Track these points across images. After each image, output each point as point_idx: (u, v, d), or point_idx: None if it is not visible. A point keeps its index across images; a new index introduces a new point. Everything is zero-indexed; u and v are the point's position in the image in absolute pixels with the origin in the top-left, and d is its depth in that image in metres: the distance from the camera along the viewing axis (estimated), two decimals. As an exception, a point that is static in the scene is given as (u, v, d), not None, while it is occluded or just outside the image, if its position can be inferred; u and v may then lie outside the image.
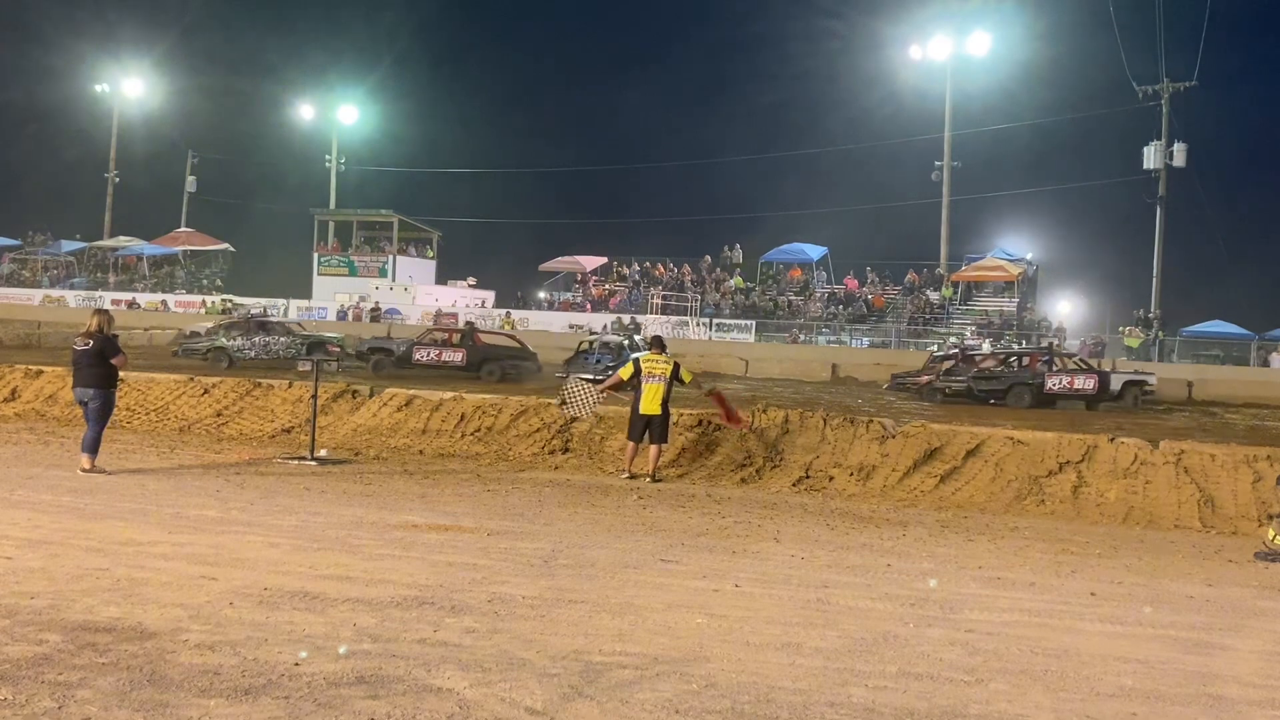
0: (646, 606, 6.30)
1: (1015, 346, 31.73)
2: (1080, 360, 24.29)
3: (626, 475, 11.82)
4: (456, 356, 24.67)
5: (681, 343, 37.40)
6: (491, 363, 24.70)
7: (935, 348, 33.77)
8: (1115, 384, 22.53)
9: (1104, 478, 11.43)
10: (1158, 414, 21.54)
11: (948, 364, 24.57)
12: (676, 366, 12.16)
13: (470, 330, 26.85)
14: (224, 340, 25.87)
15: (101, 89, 60.79)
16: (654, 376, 11.95)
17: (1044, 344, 27.66)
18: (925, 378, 23.70)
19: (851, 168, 56.27)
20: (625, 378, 12.24)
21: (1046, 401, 22.22)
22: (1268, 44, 71.36)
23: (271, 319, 29.73)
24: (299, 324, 29.84)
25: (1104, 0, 43.17)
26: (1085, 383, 22.53)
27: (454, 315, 42.06)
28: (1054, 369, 22.90)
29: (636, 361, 12.25)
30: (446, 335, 26.51)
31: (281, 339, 26.03)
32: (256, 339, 25.85)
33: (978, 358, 25.55)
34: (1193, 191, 46.68)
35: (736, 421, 12.59)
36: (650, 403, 11.86)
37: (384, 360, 24.88)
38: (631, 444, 11.99)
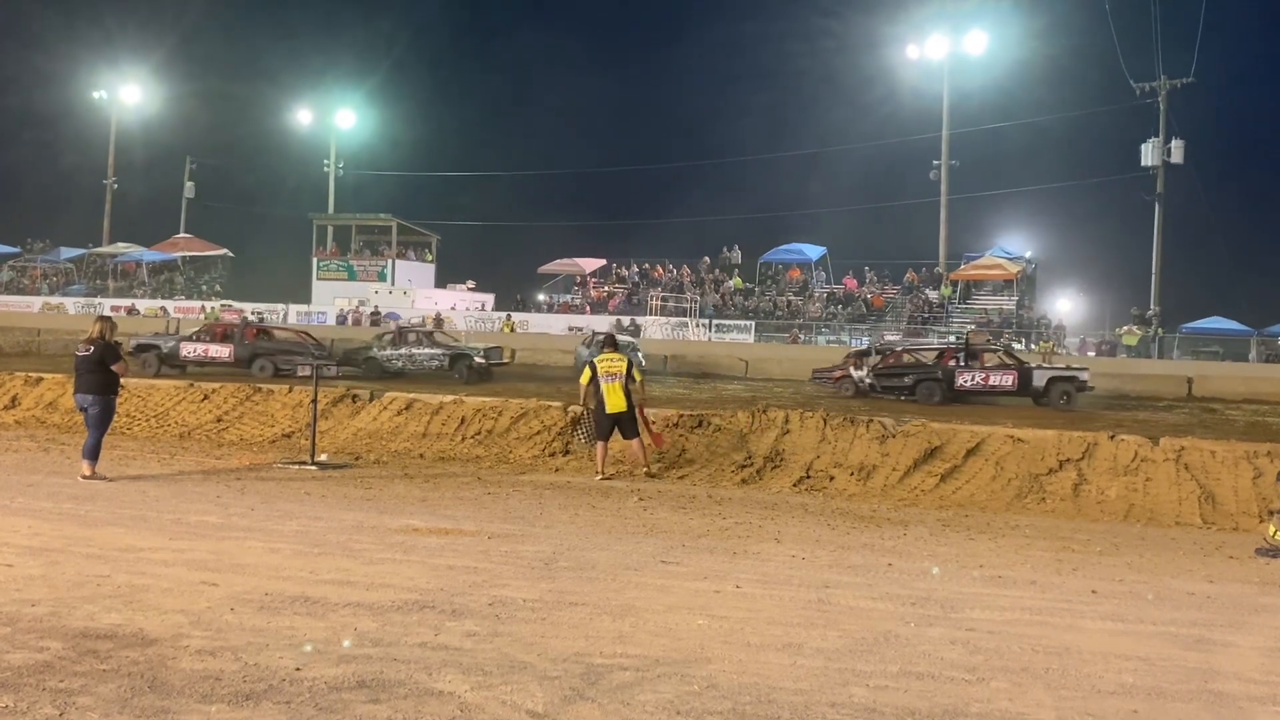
0: (647, 608, 6.31)
1: (936, 340, 30.96)
2: (1008, 355, 23.24)
3: (600, 477, 11.87)
4: (224, 351, 23.85)
5: (681, 344, 37.40)
6: (263, 358, 24.02)
7: (860, 342, 33.80)
8: (1040, 380, 21.23)
9: (1104, 475, 11.43)
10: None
11: (869, 359, 23.95)
12: (630, 364, 12.34)
13: (244, 325, 26.44)
14: (375, 351, 24.52)
15: (99, 96, 60.78)
16: (611, 375, 12.11)
17: (964, 337, 26.56)
18: (839, 372, 23.19)
19: (850, 167, 56.31)
20: (586, 383, 12.33)
21: (959, 398, 21.32)
22: (1264, 39, 71.36)
23: (419, 329, 28.04)
24: (449, 335, 27.81)
25: (1100, -2, 43.18)
26: (1003, 379, 21.45)
27: (427, 318, 42.04)
28: (969, 365, 21.80)
29: (592, 364, 12.36)
30: (217, 330, 25.52)
31: (426, 350, 24.59)
32: (404, 350, 24.47)
33: (891, 353, 24.90)
34: (1191, 188, 46.75)
35: (656, 439, 12.58)
36: (615, 401, 12.00)
37: (151, 359, 23.84)
38: (601, 445, 12.10)
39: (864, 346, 28.55)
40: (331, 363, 24.31)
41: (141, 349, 24.36)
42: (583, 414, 12.82)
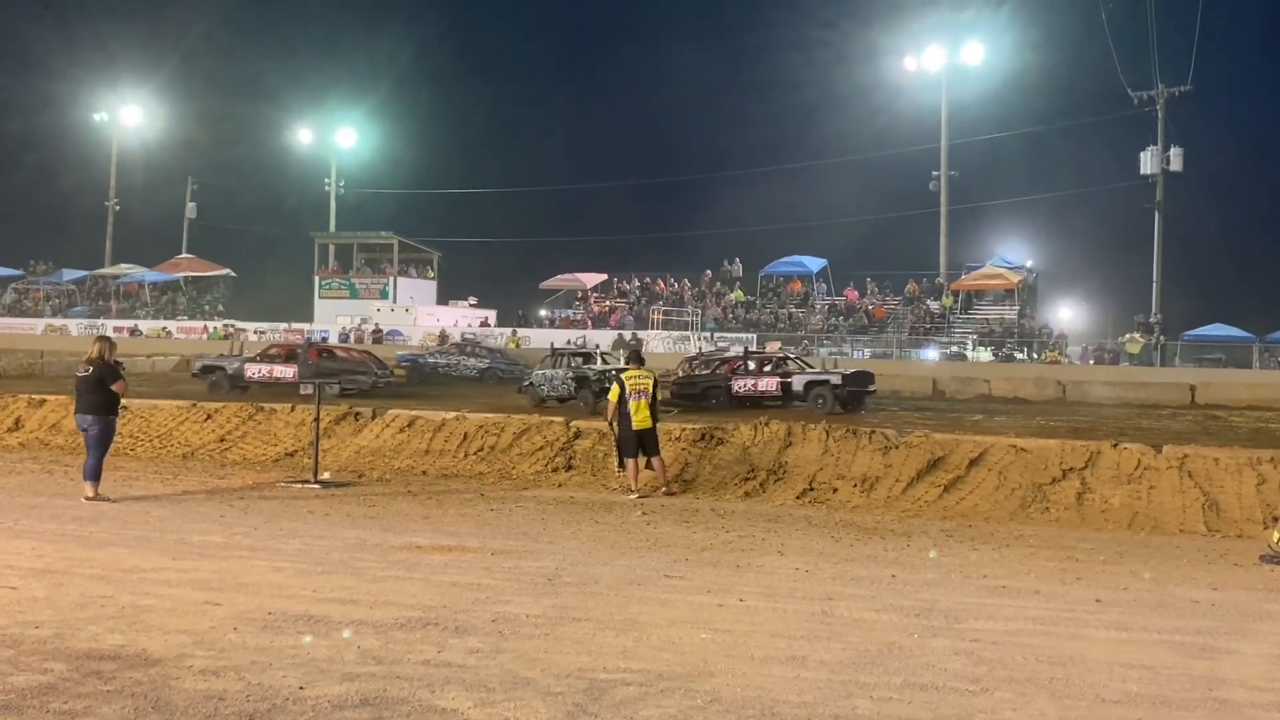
0: (651, 623, 6.30)
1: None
2: (795, 363, 23.96)
3: (635, 495, 11.80)
4: (288, 372, 23.83)
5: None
6: (325, 378, 23.96)
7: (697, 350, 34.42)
8: (799, 385, 22.05)
9: (1108, 484, 11.42)
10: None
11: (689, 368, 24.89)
12: (656, 382, 12.31)
13: (307, 345, 26.60)
14: (534, 374, 23.42)
15: (100, 118, 61.03)
16: (639, 392, 12.04)
17: (755, 348, 27.55)
18: (671, 378, 23.82)
19: (849, 179, 56.32)
20: (615, 400, 12.19)
21: (738, 404, 22.12)
22: (1261, 46, 71.57)
23: (571, 350, 26.77)
24: (603, 355, 26.55)
25: (1096, 7, 43.35)
26: (768, 385, 22.44)
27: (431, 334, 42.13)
28: (746, 374, 22.94)
29: (620, 381, 12.25)
30: (281, 351, 25.70)
31: (559, 372, 23.31)
32: (551, 371, 23.17)
33: (697, 363, 25.82)
34: (1191, 195, 46.78)
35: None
36: (642, 417, 11.93)
37: (221, 380, 24.06)
38: (631, 462, 12.00)
39: (696, 355, 29.55)
40: (394, 378, 24.46)
41: (207, 370, 24.70)
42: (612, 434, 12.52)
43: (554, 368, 23.15)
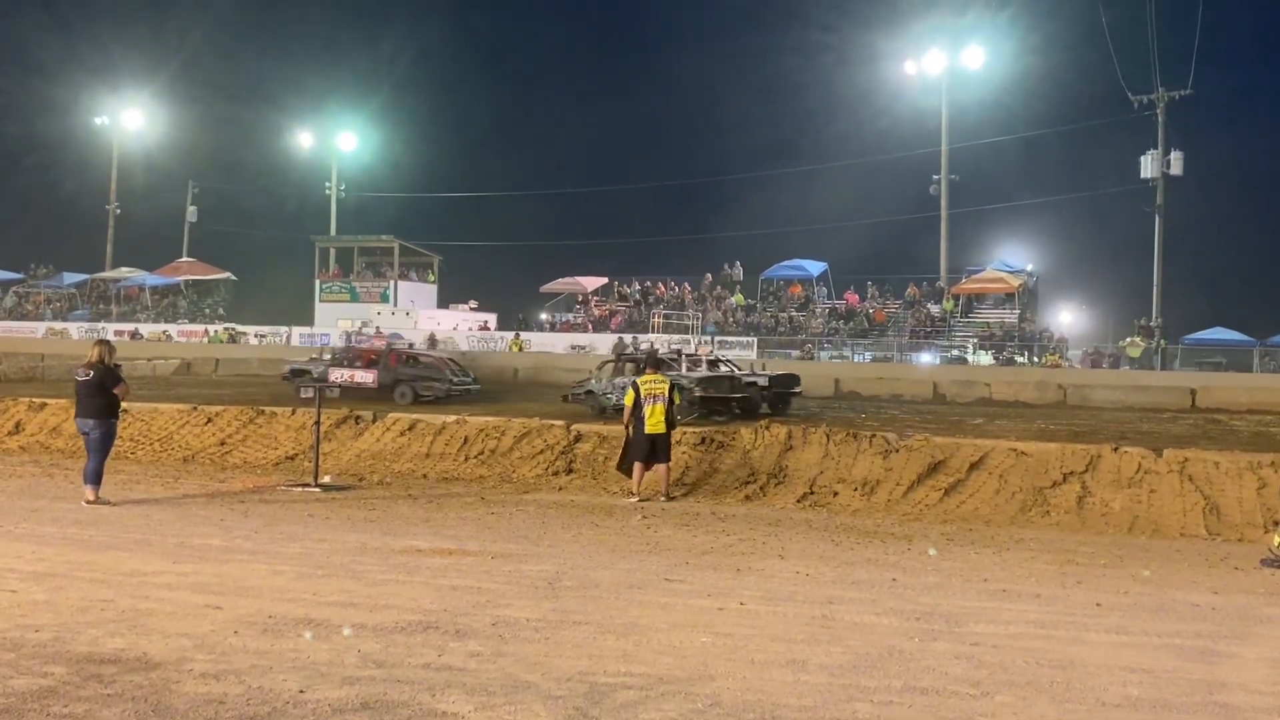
0: (651, 626, 6.30)
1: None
2: (729, 363, 24.21)
3: (637, 499, 11.80)
4: (369, 377, 24.17)
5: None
6: (404, 384, 24.15)
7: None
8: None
9: (1108, 487, 11.41)
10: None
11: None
12: (673, 386, 12.25)
13: (389, 351, 26.69)
14: (593, 382, 21.52)
15: (101, 121, 61.07)
16: (655, 397, 12.02)
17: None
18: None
19: (849, 182, 56.31)
20: (630, 404, 12.17)
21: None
22: (1261, 50, 71.62)
23: (692, 355, 25.05)
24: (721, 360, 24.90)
25: (1096, 11, 43.35)
26: None
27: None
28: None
29: (636, 386, 12.24)
30: (364, 355, 25.80)
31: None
32: (622, 379, 20.99)
33: (626, 356, 25.89)
34: (1191, 199, 46.76)
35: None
36: (655, 422, 11.91)
37: (308, 383, 24.24)
38: (639, 466, 12.00)
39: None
40: (474, 384, 24.37)
41: (296, 373, 25.01)
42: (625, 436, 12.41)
43: (619, 374, 20.80)
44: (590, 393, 20.87)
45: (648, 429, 11.93)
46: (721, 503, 11.82)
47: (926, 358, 39.29)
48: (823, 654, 5.80)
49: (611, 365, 22.06)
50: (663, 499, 11.90)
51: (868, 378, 32.79)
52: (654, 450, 11.99)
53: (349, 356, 26.06)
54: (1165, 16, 41.84)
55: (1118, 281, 52.25)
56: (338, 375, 23.97)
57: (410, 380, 23.84)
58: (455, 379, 24.44)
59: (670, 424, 12.08)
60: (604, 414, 18.95)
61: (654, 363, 12.92)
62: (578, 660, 5.56)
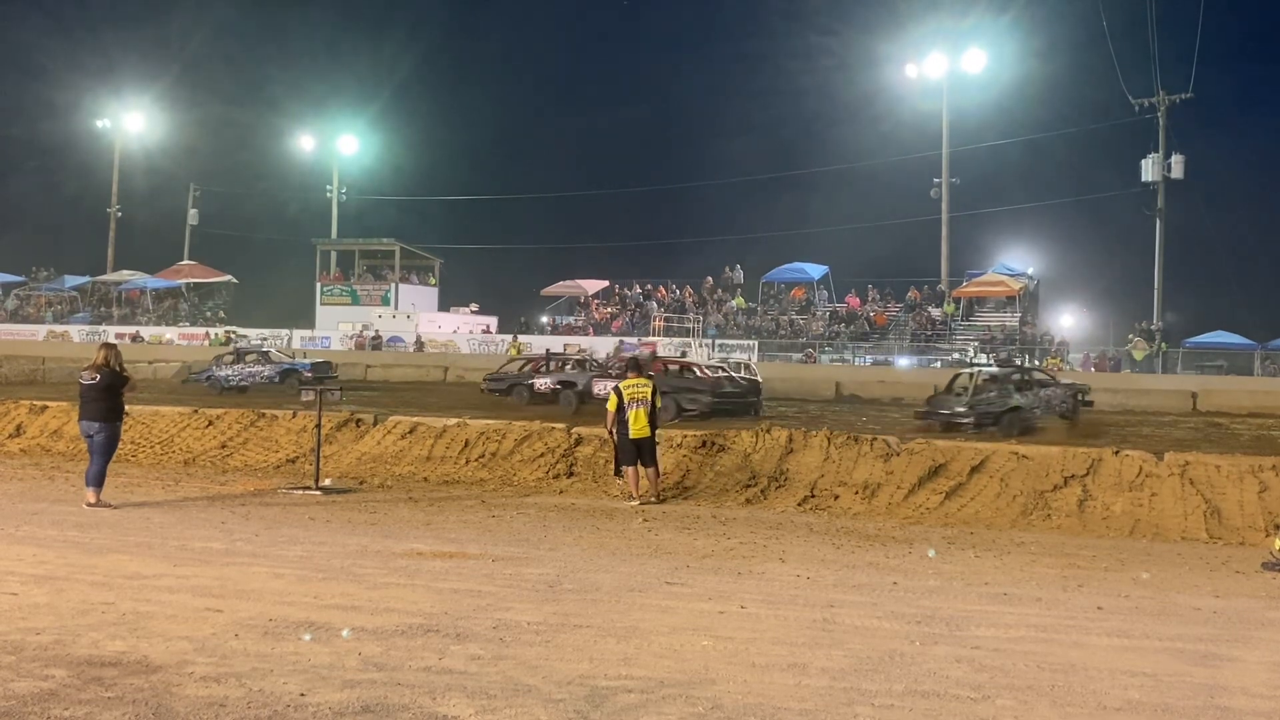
0: (652, 630, 6.30)
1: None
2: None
3: (636, 502, 11.79)
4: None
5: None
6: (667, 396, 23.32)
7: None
8: (581, 384, 24.20)
9: (1109, 491, 11.41)
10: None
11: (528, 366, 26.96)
12: (654, 389, 12.24)
13: (583, 359, 27.09)
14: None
15: (103, 124, 61.12)
16: (637, 401, 11.99)
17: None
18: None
19: (850, 186, 56.44)
20: (613, 409, 12.13)
21: (539, 399, 24.37)
22: (1262, 54, 71.62)
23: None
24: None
25: (1097, 15, 43.44)
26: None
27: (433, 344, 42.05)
28: (547, 371, 25.65)
29: (618, 390, 12.22)
30: (559, 364, 26.23)
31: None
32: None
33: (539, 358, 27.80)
34: (1192, 202, 46.80)
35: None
36: (640, 427, 11.90)
37: (523, 391, 25.20)
38: (630, 469, 12.00)
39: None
40: (754, 397, 23.12)
41: (493, 380, 26.52)
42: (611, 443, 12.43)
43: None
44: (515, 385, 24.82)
45: (632, 434, 11.91)
46: (722, 506, 11.82)
47: (900, 361, 39.41)
48: (824, 657, 5.80)
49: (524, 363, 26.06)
50: (653, 499, 11.90)
51: (868, 381, 32.83)
52: (640, 454, 11.99)
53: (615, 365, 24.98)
54: (1166, 20, 42.02)
55: (1118, 285, 52.31)
56: (600, 388, 22.42)
57: (673, 393, 21.37)
58: (715, 397, 22.13)
59: (654, 427, 12.08)
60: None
61: (635, 366, 12.89)
62: (578, 663, 5.56)
